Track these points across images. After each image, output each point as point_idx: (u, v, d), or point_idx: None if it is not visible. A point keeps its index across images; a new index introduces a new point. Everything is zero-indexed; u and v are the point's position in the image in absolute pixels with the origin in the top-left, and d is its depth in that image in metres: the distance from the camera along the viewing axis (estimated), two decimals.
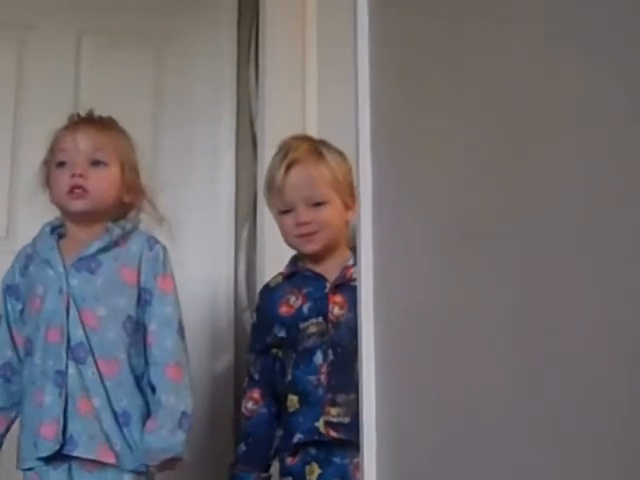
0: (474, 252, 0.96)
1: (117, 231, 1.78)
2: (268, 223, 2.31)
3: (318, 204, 1.80)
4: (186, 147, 2.66)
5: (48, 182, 1.83)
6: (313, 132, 2.29)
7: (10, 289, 1.81)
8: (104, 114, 1.88)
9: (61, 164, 1.79)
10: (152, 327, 1.74)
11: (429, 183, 1.10)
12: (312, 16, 2.43)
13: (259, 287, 2.32)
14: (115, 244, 1.78)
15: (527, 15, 0.86)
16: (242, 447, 1.84)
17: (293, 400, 1.75)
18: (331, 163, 1.83)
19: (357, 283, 1.30)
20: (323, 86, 2.38)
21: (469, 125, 0.98)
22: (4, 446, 1.77)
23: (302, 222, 1.80)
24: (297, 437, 1.72)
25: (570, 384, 0.75)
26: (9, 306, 1.80)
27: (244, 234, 2.57)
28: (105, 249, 1.76)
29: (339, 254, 1.85)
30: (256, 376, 1.85)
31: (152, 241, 1.80)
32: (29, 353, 1.73)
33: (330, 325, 1.76)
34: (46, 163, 1.84)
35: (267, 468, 1.83)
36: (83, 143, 1.79)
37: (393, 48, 1.24)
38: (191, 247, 2.39)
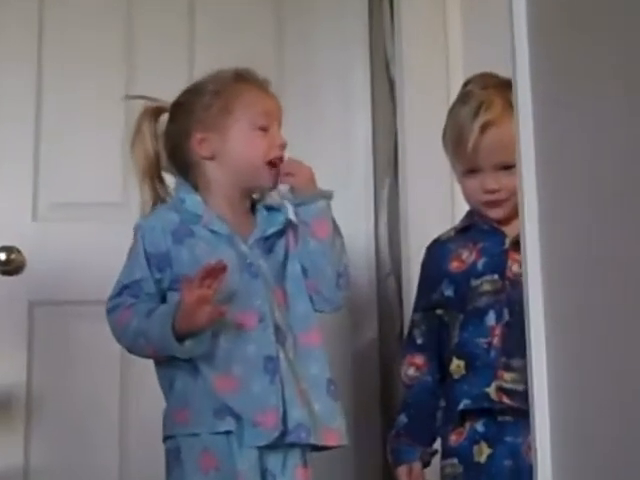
0: None
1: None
2: (411, 178, 2.38)
3: (507, 167, 1.79)
4: (314, 98, 2.69)
5: (215, 129, 1.83)
6: (458, 74, 2.29)
7: None
8: (223, 63, 1.87)
9: (262, 129, 1.83)
10: None
11: (593, 123, 1.10)
12: None
13: (403, 250, 2.43)
14: None
15: None
16: (403, 419, 1.86)
17: (460, 366, 1.77)
18: None
19: (520, 234, 1.33)
20: (468, 19, 2.36)
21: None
22: None
23: (490, 190, 1.82)
24: (464, 403, 1.73)
25: None
26: None
27: (384, 192, 2.57)
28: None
29: None
30: (419, 340, 1.89)
31: None
32: None
33: (507, 283, 1.77)
34: (206, 109, 1.83)
35: (432, 442, 1.85)
36: (279, 112, 1.86)
37: None
38: None
